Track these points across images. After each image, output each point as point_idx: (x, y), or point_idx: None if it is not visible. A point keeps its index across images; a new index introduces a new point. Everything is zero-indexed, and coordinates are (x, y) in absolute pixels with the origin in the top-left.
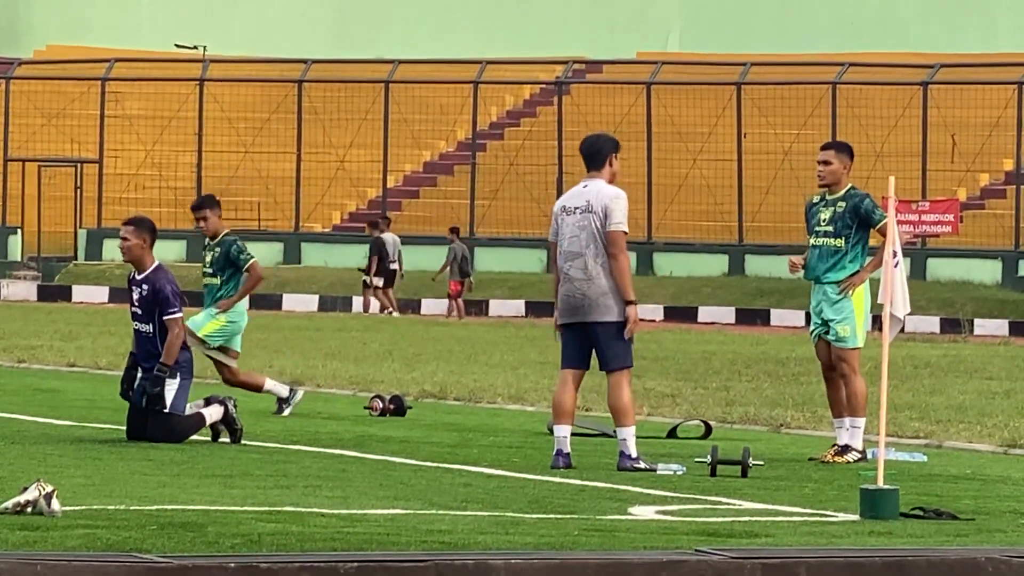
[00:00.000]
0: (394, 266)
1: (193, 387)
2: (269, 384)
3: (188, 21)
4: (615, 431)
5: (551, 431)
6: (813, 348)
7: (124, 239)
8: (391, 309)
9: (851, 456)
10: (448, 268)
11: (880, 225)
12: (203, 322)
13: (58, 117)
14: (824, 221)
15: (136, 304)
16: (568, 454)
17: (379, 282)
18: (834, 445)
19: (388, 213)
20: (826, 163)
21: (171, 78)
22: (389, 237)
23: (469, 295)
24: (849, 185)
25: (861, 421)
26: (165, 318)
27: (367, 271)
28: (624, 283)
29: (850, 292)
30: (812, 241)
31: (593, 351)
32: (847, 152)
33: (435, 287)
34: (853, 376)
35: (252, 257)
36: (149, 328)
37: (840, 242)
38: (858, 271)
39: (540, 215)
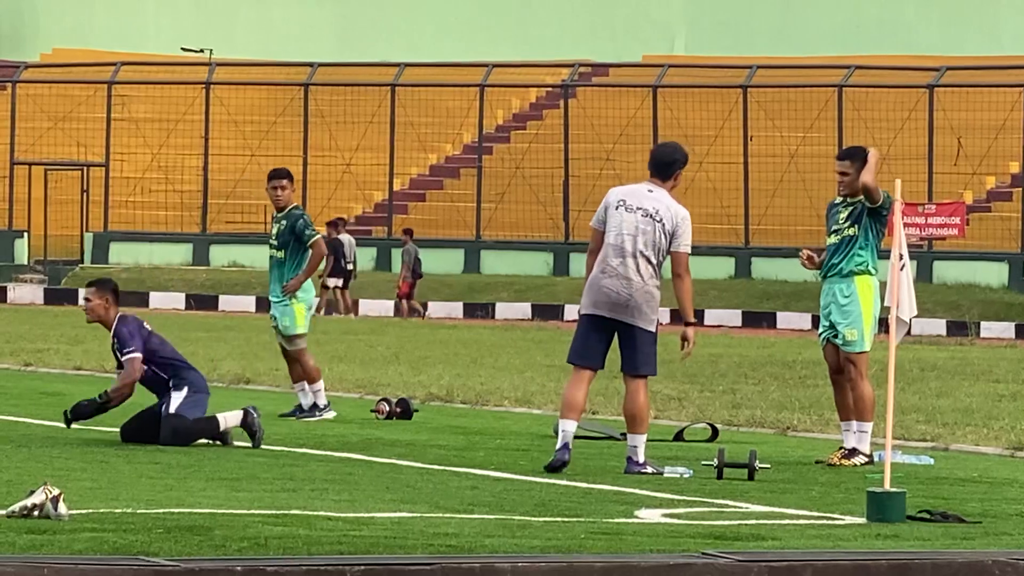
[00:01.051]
0: (350, 267)
1: (221, 392)
2: (319, 386)
3: (194, 24)
4: (623, 435)
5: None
6: (821, 351)
7: (87, 299)
8: (350, 311)
9: (858, 460)
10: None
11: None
12: (292, 319)
13: (64, 120)
14: (842, 219)
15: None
16: (570, 448)
17: (338, 283)
18: (840, 448)
19: (394, 215)
20: (844, 174)
21: (177, 81)
22: (345, 238)
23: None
24: None
25: (868, 425)
26: (123, 357)
27: (326, 274)
28: (689, 304)
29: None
30: (829, 240)
31: (607, 351)
32: (860, 158)
33: (442, 291)
34: (860, 380)
35: (316, 234)
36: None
37: (854, 230)
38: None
39: (546, 218)
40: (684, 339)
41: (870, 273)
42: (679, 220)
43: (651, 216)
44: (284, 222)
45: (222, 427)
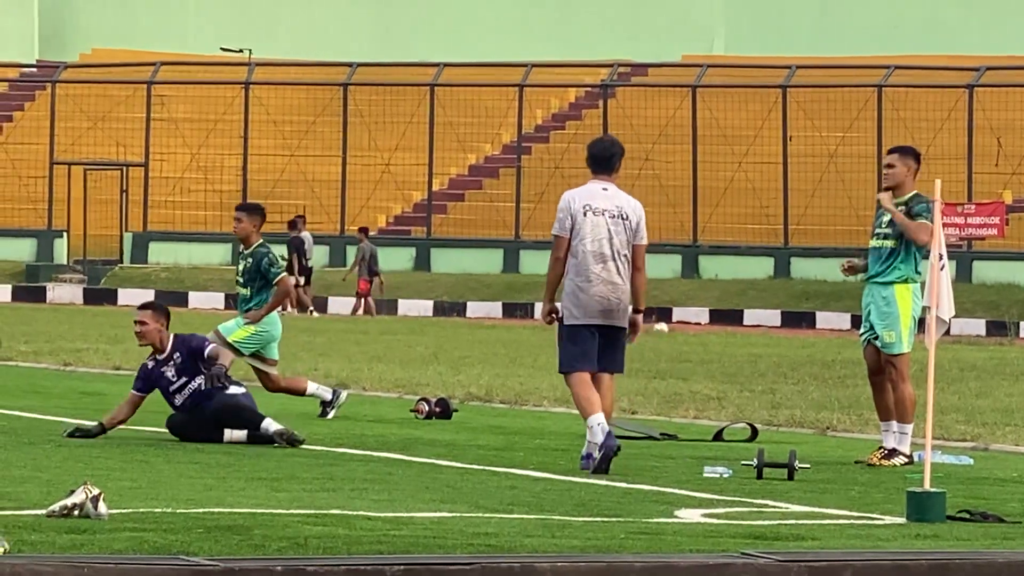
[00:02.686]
0: (310, 264)
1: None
2: (312, 388)
3: (233, 24)
4: (663, 435)
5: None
6: (862, 351)
7: (142, 322)
8: (311, 308)
9: (898, 460)
10: (357, 267)
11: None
12: (233, 328)
13: (104, 120)
14: (884, 223)
15: (175, 375)
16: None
17: (300, 281)
18: (880, 448)
19: (433, 215)
20: (890, 166)
21: (217, 81)
22: (306, 236)
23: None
24: (914, 191)
25: (909, 427)
26: (207, 352)
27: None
28: (643, 296)
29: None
30: (872, 243)
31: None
32: (912, 155)
33: (480, 291)
34: (901, 382)
35: (282, 271)
36: (196, 383)
37: (896, 243)
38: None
39: None
40: (634, 325)
41: (911, 282)
42: (641, 214)
43: (619, 216)
44: (250, 260)
45: (263, 425)
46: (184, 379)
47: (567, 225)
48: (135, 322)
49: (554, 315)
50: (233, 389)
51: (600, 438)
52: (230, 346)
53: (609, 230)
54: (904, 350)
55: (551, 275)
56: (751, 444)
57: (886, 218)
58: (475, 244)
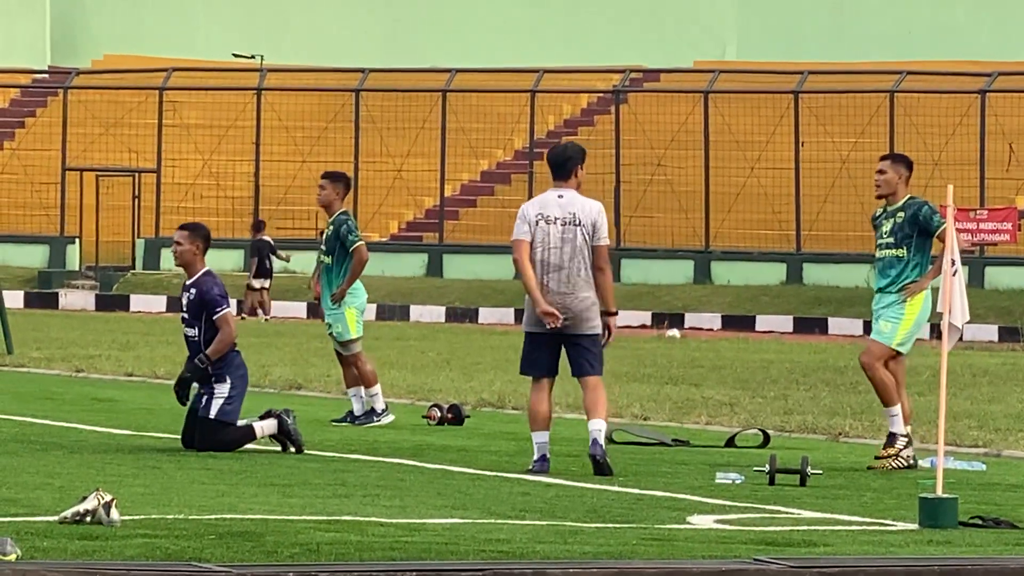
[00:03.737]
0: (268, 268)
1: (252, 397)
2: (376, 390)
3: (245, 30)
4: (675, 441)
5: (610, 440)
6: None
7: (178, 243)
8: (261, 312)
9: (899, 443)
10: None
11: (939, 231)
12: (345, 325)
13: (116, 127)
14: (886, 233)
15: (185, 309)
16: (548, 459)
17: (265, 284)
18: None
19: (445, 221)
20: (881, 172)
21: (228, 87)
22: (267, 239)
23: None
24: (908, 195)
25: (896, 408)
26: (214, 317)
27: (251, 276)
28: (610, 296)
29: (909, 298)
30: (877, 254)
31: (558, 358)
32: (903, 163)
33: (493, 297)
34: (873, 368)
35: (359, 240)
36: (195, 332)
37: (902, 252)
38: (917, 279)
39: None
40: (607, 329)
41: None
42: (596, 215)
43: (571, 223)
44: (331, 227)
45: (259, 436)
46: (189, 316)
47: (525, 230)
48: (174, 242)
49: (550, 315)
50: (216, 393)
51: (540, 454)
52: (351, 343)
53: (561, 239)
54: (891, 344)
55: (525, 277)
56: (763, 450)
57: (887, 227)
58: (487, 250)
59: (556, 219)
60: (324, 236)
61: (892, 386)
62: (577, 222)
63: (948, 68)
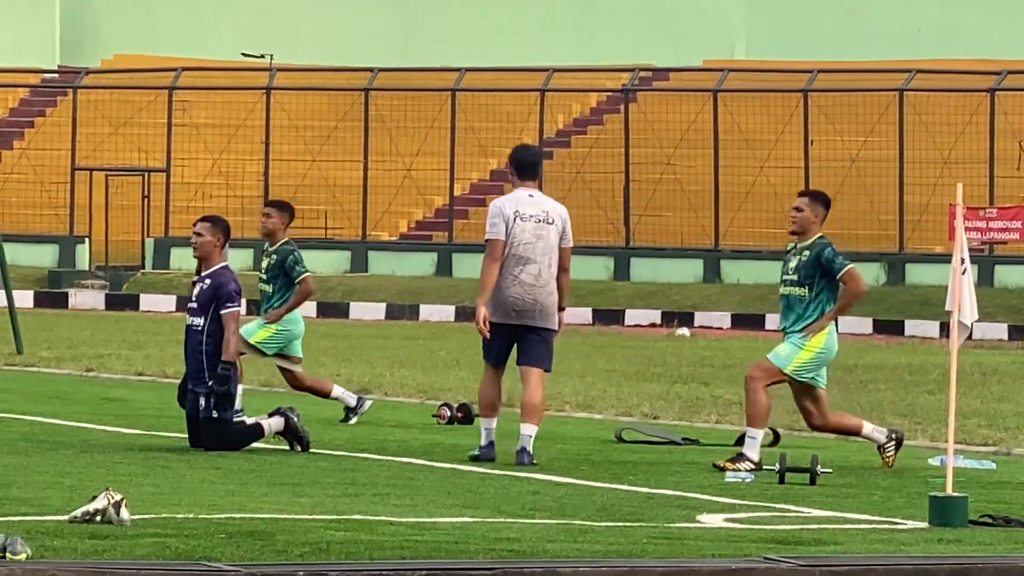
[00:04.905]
0: None
1: (261, 396)
2: (337, 391)
3: (254, 30)
4: (685, 440)
5: (619, 439)
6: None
7: (197, 234)
8: None
9: (743, 465)
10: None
11: (841, 275)
12: (255, 330)
13: (125, 126)
14: (791, 270)
15: (194, 299)
16: (494, 443)
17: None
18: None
19: (454, 220)
20: (798, 210)
21: (238, 87)
22: None
23: None
24: (818, 235)
25: (758, 432)
26: (223, 311)
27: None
28: (567, 295)
29: (809, 337)
30: (781, 291)
31: (510, 351)
32: (821, 202)
33: None
34: (754, 382)
35: (305, 271)
36: (200, 322)
37: (803, 291)
38: (818, 319)
39: (606, 223)
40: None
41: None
42: (566, 217)
43: (544, 221)
44: (274, 256)
45: (266, 433)
46: (197, 305)
47: (501, 229)
48: (193, 233)
49: (485, 323)
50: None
51: (487, 440)
52: (254, 349)
53: (534, 235)
54: (782, 365)
55: (487, 278)
56: (773, 449)
57: (792, 264)
58: None
59: (530, 216)
60: (265, 265)
61: (765, 409)
62: (550, 220)
63: (958, 67)
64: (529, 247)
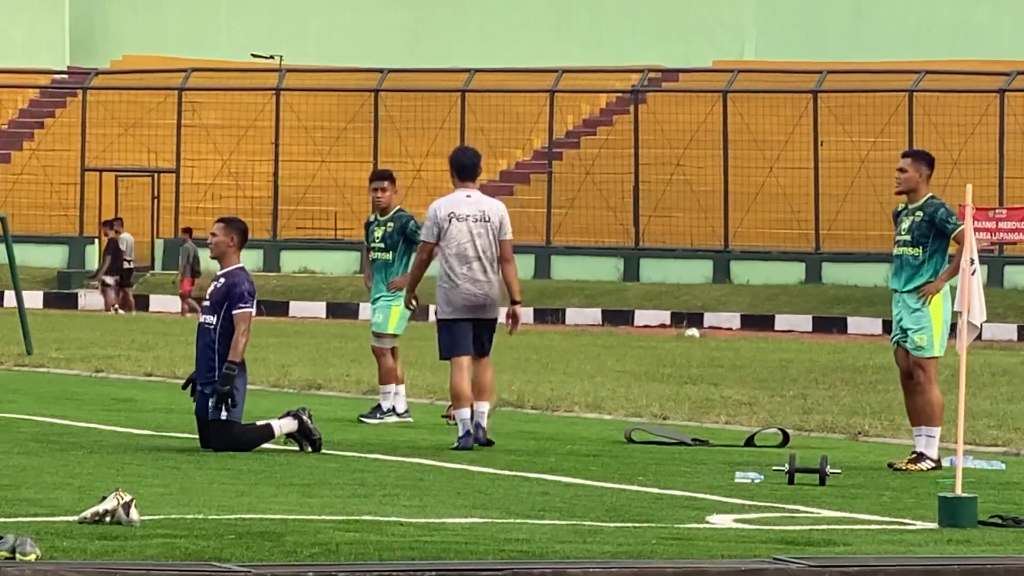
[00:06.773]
0: (129, 265)
1: (272, 397)
2: (401, 389)
3: (264, 31)
4: (695, 440)
5: (629, 439)
6: (893, 355)
7: (213, 235)
8: (117, 306)
9: (924, 465)
10: (181, 269)
11: (955, 233)
12: (386, 318)
13: (135, 127)
14: (904, 230)
15: (208, 296)
16: (472, 433)
17: (113, 280)
18: (912, 452)
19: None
20: (902, 170)
21: (248, 88)
22: (125, 236)
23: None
24: (929, 194)
25: (936, 430)
26: (235, 312)
27: (102, 272)
28: (517, 285)
29: (927, 299)
30: (895, 251)
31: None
32: (924, 160)
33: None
34: (929, 385)
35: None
36: (213, 320)
37: (917, 251)
38: (932, 280)
39: (616, 224)
40: (514, 317)
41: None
42: (503, 213)
43: (481, 220)
44: (391, 224)
45: (277, 434)
46: (211, 303)
47: (434, 232)
48: (210, 233)
49: (415, 301)
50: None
51: (464, 430)
52: (391, 337)
53: (472, 234)
54: (934, 354)
55: (414, 275)
56: (782, 449)
57: (905, 224)
58: None
59: (467, 216)
60: (380, 234)
61: (941, 406)
62: (487, 219)
63: (967, 67)
64: (471, 245)
